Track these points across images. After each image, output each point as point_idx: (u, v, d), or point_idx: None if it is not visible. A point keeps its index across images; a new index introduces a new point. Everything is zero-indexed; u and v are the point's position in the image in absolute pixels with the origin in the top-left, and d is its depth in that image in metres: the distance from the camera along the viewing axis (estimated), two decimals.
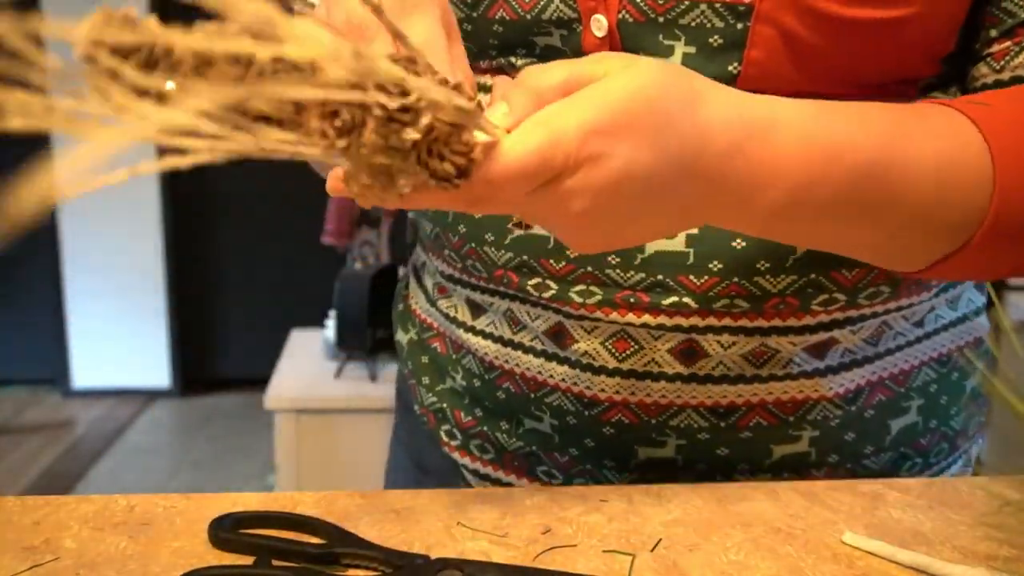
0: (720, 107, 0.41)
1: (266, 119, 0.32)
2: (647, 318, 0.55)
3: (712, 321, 0.55)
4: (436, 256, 0.65)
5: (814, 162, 0.43)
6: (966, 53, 0.54)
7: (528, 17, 0.53)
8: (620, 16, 0.51)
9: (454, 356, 0.65)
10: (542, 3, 0.52)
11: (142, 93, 0.29)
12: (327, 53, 0.30)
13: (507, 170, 0.37)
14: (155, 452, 3.50)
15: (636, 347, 0.56)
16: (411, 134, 0.33)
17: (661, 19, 0.50)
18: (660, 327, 0.55)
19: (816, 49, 0.49)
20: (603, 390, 0.57)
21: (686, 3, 0.50)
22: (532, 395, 0.60)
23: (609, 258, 0.55)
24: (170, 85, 0.30)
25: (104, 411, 3.85)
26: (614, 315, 0.55)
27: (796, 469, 0.59)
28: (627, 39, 0.51)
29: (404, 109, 0.33)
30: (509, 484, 0.64)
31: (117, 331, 3.98)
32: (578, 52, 0.52)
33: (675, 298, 0.54)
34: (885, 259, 0.50)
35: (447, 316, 0.65)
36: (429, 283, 0.68)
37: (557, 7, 0.52)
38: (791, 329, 0.55)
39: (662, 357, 0.56)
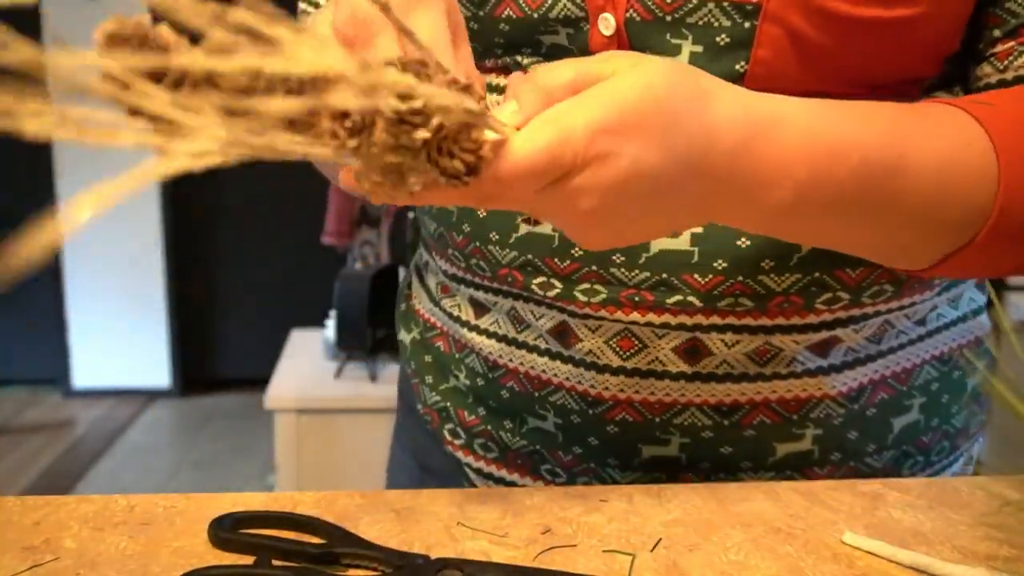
0: (727, 106, 0.41)
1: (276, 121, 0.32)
2: (651, 317, 0.55)
3: (716, 320, 0.55)
4: (440, 255, 0.65)
5: (820, 160, 0.43)
6: (969, 53, 0.54)
7: (535, 16, 0.53)
8: (628, 15, 0.51)
9: (457, 355, 0.65)
10: (549, 2, 0.52)
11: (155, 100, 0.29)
12: (334, 69, 0.30)
13: (516, 168, 0.37)
14: (155, 452, 3.50)
15: (640, 346, 0.56)
16: (421, 133, 0.34)
17: (668, 18, 0.50)
18: (664, 326, 0.55)
19: (823, 49, 0.49)
20: (607, 388, 0.57)
21: (694, 2, 0.50)
22: (536, 394, 0.60)
23: (614, 257, 0.55)
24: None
25: (104, 411, 3.85)
26: (618, 314, 0.55)
27: (799, 467, 0.59)
28: (634, 38, 0.51)
29: (414, 111, 0.33)
30: (512, 483, 0.64)
31: (117, 331, 3.98)
32: (585, 51, 0.52)
33: (679, 297, 0.54)
34: (888, 257, 0.50)
35: (451, 315, 0.65)
36: (432, 283, 0.68)
37: (564, 6, 0.52)
38: (795, 328, 0.55)
39: (666, 356, 0.56)
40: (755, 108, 0.42)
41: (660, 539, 0.48)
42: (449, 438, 0.66)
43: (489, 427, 0.64)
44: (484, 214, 0.58)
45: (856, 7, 0.47)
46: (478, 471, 0.65)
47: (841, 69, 0.50)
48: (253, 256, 4.07)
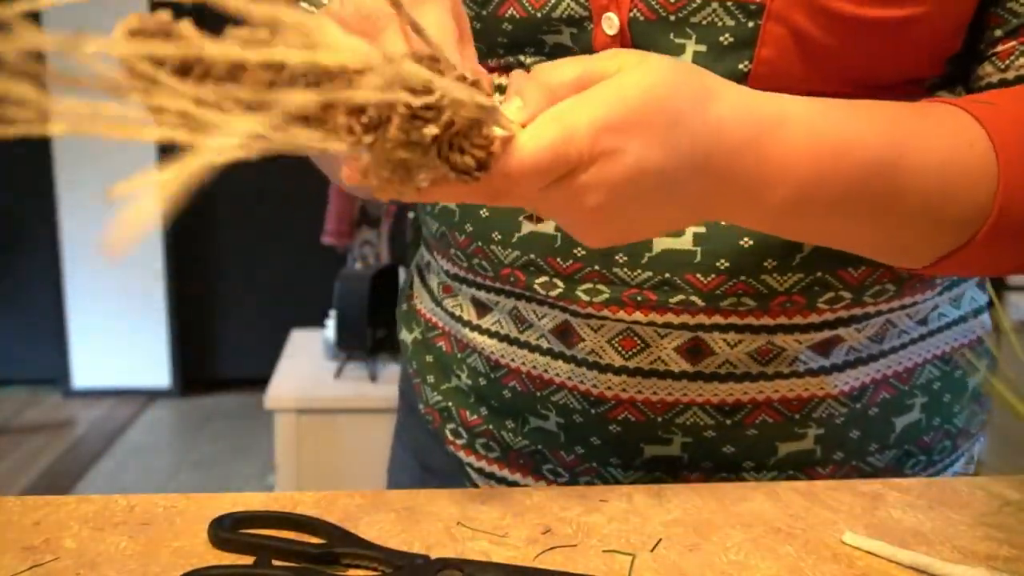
0: (731, 104, 0.41)
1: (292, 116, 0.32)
2: (654, 316, 0.55)
3: (718, 319, 0.55)
4: (441, 255, 0.65)
5: (823, 159, 0.43)
6: (971, 53, 0.54)
7: (539, 15, 0.52)
8: (632, 14, 0.51)
9: (459, 355, 0.65)
10: (553, 1, 0.52)
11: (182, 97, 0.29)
12: (360, 60, 0.30)
13: (522, 164, 0.37)
14: (155, 452, 3.50)
15: (642, 345, 0.56)
16: (432, 129, 0.34)
17: (672, 17, 0.50)
18: (667, 325, 0.55)
19: (826, 48, 0.49)
20: (609, 388, 0.57)
21: (697, 1, 0.50)
22: (538, 393, 0.60)
23: (616, 257, 0.55)
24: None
25: (104, 411, 3.85)
26: (621, 313, 0.55)
27: (801, 467, 0.59)
28: (638, 37, 0.51)
29: (427, 107, 0.33)
30: (514, 483, 0.64)
31: (117, 331, 3.98)
32: (588, 50, 0.52)
33: (682, 296, 0.54)
34: (889, 255, 0.50)
35: (452, 315, 0.65)
36: (434, 282, 0.68)
37: (568, 5, 0.52)
38: (797, 327, 0.55)
39: (668, 355, 0.56)
40: (759, 107, 0.42)
41: (660, 539, 0.48)
42: (451, 438, 0.66)
43: (491, 427, 0.64)
44: (487, 214, 0.58)
45: (860, 7, 0.47)
46: (480, 471, 0.65)
47: (844, 69, 0.50)
48: (253, 256, 4.07)
